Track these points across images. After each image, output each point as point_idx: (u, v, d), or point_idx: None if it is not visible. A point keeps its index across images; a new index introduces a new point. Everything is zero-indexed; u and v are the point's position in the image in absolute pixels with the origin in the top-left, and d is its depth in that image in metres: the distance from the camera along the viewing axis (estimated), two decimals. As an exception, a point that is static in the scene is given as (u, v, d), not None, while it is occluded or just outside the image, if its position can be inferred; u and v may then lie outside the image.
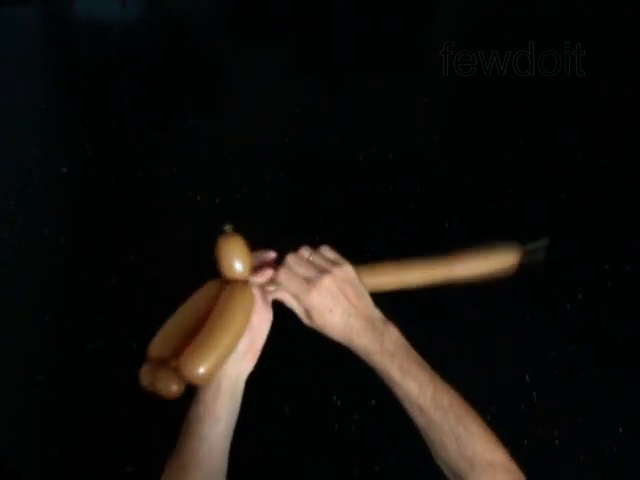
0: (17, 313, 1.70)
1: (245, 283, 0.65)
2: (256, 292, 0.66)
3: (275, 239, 0.74)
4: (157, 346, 0.63)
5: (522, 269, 0.76)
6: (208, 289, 0.67)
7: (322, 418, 1.45)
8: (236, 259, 0.64)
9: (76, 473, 1.41)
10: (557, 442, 1.43)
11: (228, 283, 0.65)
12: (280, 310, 0.74)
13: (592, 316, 1.67)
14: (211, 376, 0.59)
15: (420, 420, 0.63)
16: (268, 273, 0.67)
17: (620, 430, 1.45)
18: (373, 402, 1.47)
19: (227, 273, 0.64)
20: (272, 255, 0.70)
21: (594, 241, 1.85)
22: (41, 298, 1.72)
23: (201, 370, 0.57)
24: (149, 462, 1.47)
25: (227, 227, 0.63)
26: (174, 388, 0.59)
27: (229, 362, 0.63)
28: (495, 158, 2.09)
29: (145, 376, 0.62)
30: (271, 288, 0.67)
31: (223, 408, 0.64)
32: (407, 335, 0.69)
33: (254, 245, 0.69)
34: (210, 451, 0.63)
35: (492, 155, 2.10)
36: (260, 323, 0.68)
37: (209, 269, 0.69)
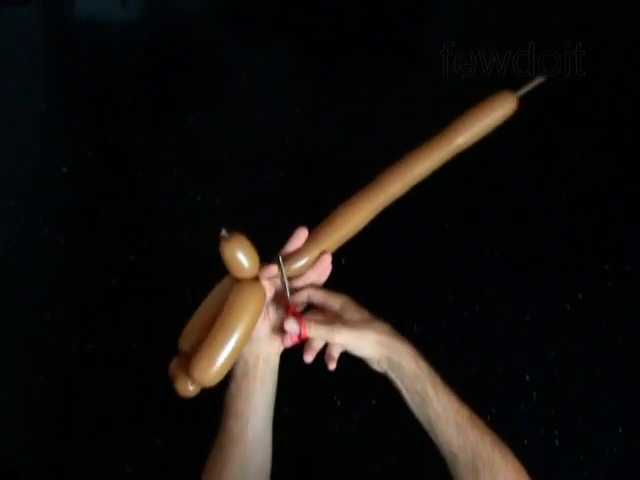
0: (17, 313, 1.70)
1: (255, 279, 0.66)
2: (267, 285, 0.67)
3: (275, 239, 0.74)
4: (183, 339, 0.66)
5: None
6: (224, 284, 0.69)
7: (322, 418, 1.45)
8: (238, 259, 0.64)
9: (76, 473, 1.41)
10: (557, 442, 1.43)
11: (238, 281, 0.66)
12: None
13: (592, 316, 1.67)
14: (221, 376, 0.61)
15: (455, 441, 0.60)
16: (273, 269, 0.67)
17: (620, 430, 1.45)
18: (373, 402, 1.47)
19: (234, 274, 0.65)
20: (304, 234, 0.70)
21: (594, 241, 1.85)
22: (41, 298, 1.72)
23: (209, 374, 0.59)
24: (149, 462, 1.47)
25: (223, 232, 0.64)
26: (190, 389, 0.64)
27: (255, 344, 0.67)
28: (495, 158, 2.09)
29: (173, 370, 0.65)
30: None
31: (254, 384, 0.67)
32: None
33: (255, 244, 0.69)
34: (243, 429, 0.66)
35: (492, 155, 2.10)
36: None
37: (209, 269, 0.69)
